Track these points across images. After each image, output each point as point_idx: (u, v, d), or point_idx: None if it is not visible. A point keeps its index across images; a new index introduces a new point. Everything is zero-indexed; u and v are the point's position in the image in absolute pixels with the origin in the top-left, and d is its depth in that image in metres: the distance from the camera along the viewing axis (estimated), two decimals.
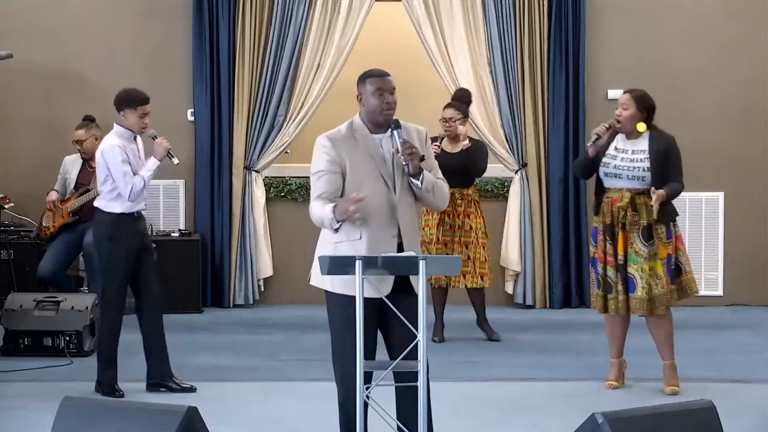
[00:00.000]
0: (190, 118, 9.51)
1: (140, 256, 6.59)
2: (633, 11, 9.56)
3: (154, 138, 6.65)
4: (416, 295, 4.47)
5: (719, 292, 9.57)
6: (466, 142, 7.92)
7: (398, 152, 4.75)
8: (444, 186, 4.96)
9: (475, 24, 9.42)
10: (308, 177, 9.48)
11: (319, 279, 4.82)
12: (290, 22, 9.40)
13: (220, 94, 9.44)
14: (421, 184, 4.79)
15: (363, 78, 4.87)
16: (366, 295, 4.45)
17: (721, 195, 9.54)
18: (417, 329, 4.39)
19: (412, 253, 4.63)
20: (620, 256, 6.50)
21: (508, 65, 9.39)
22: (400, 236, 4.82)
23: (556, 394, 6.67)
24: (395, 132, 4.77)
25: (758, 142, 9.54)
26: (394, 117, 4.86)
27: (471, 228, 7.91)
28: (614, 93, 9.50)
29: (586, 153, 6.61)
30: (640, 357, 6.87)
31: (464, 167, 7.87)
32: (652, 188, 6.39)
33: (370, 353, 4.81)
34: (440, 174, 4.99)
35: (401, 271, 4.58)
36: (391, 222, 4.81)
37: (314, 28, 9.42)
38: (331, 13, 9.43)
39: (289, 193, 9.67)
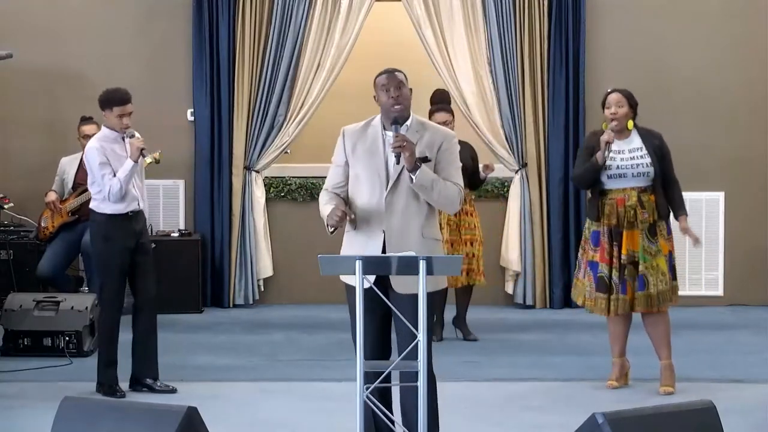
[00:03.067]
0: (190, 118, 9.50)
1: (136, 256, 6.59)
2: (633, 11, 9.56)
3: (131, 137, 6.56)
4: (403, 294, 4.71)
5: (719, 292, 9.56)
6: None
7: (391, 145, 4.90)
8: (451, 188, 4.95)
9: (475, 24, 9.42)
10: (308, 177, 9.65)
11: None
12: (290, 22, 9.40)
13: (220, 94, 9.44)
14: (415, 179, 4.86)
15: (375, 79, 5.04)
16: (352, 283, 4.59)
17: (721, 195, 9.53)
18: (417, 329, 4.40)
19: (412, 253, 4.64)
20: (624, 257, 6.48)
21: (508, 65, 9.38)
22: (386, 231, 4.93)
23: (556, 394, 6.66)
24: (392, 127, 4.91)
25: (758, 142, 9.54)
26: (409, 113, 5.00)
27: (475, 226, 7.97)
28: None
29: (595, 162, 6.51)
30: (641, 357, 6.86)
31: (465, 167, 7.88)
32: (681, 225, 6.53)
33: (378, 348, 4.88)
34: (456, 179, 5.00)
35: (401, 271, 4.59)
36: (379, 216, 4.94)
37: (314, 28, 9.41)
38: (331, 13, 9.43)
39: (289, 193, 9.67)
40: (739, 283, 9.52)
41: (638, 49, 9.51)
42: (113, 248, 6.53)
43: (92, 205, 6.65)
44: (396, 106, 4.93)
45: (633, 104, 6.60)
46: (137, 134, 6.57)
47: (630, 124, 6.59)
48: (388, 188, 4.93)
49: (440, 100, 8.15)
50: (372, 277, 4.67)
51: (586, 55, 9.46)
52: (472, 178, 7.91)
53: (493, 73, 9.40)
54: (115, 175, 6.47)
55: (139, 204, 6.61)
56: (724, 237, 9.54)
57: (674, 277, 6.61)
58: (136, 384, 6.63)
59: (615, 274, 6.52)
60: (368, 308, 4.55)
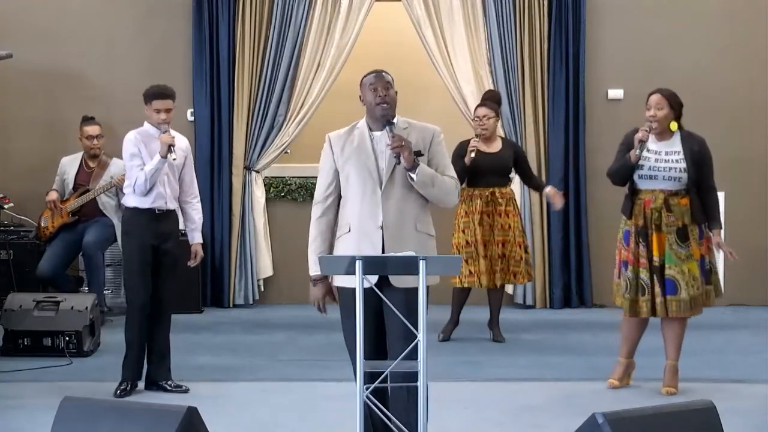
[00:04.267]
0: (190, 118, 9.50)
1: (159, 257, 6.57)
2: (633, 11, 9.56)
3: (164, 132, 6.56)
4: (397, 289, 4.75)
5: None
6: (499, 141, 7.99)
7: (388, 146, 4.95)
8: (448, 182, 5.04)
9: (475, 24, 9.42)
10: (308, 177, 9.64)
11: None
12: (290, 22, 9.40)
13: (220, 94, 9.44)
14: (416, 177, 4.93)
15: (361, 79, 5.11)
16: (350, 285, 4.58)
17: (721, 195, 9.48)
18: (417, 328, 4.39)
19: (411, 253, 4.64)
20: (655, 258, 6.42)
21: (508, 65, 9.39)
22: (383, 228, 4.95)
23: (556, 394, 6.66)
24: (386, 128, 4.97)
25: (758, 142, 9.54)
26: (395, 113, 5.06)
27: (510, 227, 7.92)
28: (614, 93, 9.53)
29: (628, 159, 6.43)
30: (642, 357, 6.85)
31: (502, 166, 7.97)
32: (714, 240, 6.48)
33: (373, 349, 4.89)
34: (451, 172, 5.09)
35: (401, 271, 4.59)
36: (376, 214, 4.97)
37: (314, 28, 9.42)
38: (331, 13, 9.44)
39: (289, 193, 9.68)
40: (739, 283, 9.51)
41: (638, 49, 9.51)
42: (132, 244, 6.55)
43: (123, 198, 6.79)
44: (383, 104, 5.00)
45: (675, 105, 6.46)
46: (171, 131, 6.57)
47: (674, 125, 6.47)
48: (384, 184, 4.97)
49: (487, 98, 8.19)
50: (374, 279, 4.67)
51: (586, 55, 9.46)
52: (526, 179, 8.26)
53: (493, 73, 9.41)
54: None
55: (167, 203, 6.57)
56: (724, 237, 9.41)
57: (708, 282, 6.54)
58: (151, 384, 6.65)
59: (645, 275, 6.45)
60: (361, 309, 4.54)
